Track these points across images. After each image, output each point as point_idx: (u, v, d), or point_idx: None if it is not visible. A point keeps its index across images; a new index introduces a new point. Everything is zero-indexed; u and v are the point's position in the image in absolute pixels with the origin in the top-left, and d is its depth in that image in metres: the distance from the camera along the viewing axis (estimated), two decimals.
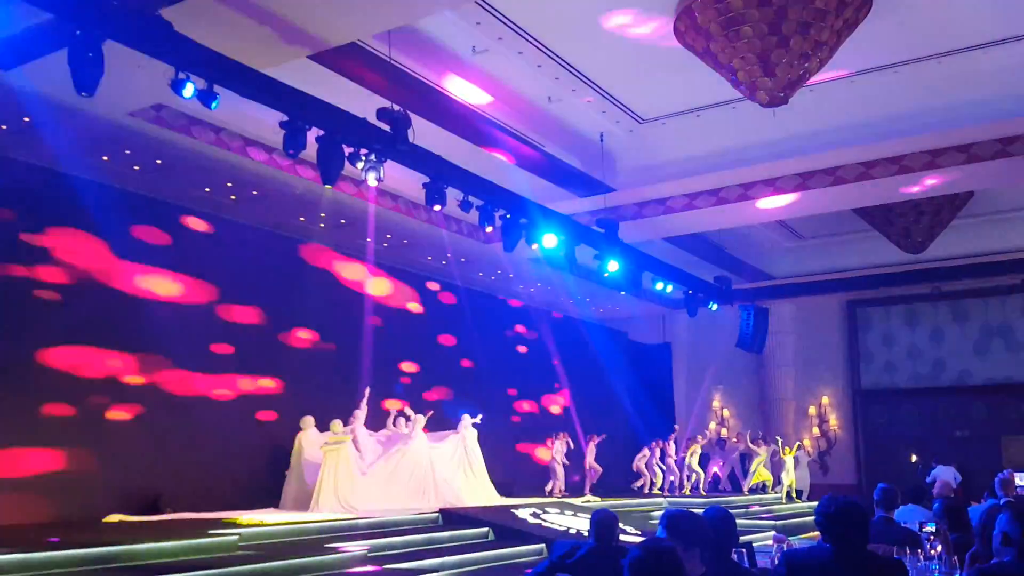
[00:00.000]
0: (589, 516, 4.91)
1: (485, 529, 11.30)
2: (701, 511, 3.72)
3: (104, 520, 10.27)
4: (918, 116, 11.67)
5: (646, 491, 17.76)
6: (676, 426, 19.61)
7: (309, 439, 12.26)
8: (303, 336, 14.01)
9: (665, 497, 16.98)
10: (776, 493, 18.65)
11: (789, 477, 18.44)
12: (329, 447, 11.92)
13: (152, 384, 11.66)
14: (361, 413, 12.68)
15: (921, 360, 20.26)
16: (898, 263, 17.35)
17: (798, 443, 19.78)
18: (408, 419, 13.43)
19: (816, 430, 21.29)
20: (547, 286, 17.54)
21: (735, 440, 19.69)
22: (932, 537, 5.19)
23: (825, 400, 21.32)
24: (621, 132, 12.75)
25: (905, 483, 7.67)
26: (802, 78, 9.27)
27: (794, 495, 18.49)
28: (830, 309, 20.99)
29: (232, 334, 12.85)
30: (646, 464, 18.23)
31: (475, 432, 14.18)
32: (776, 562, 4.22)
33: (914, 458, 19.56)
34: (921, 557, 4.48)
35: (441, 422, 14.46)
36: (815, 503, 17.96)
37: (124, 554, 7.61)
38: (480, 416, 14.21)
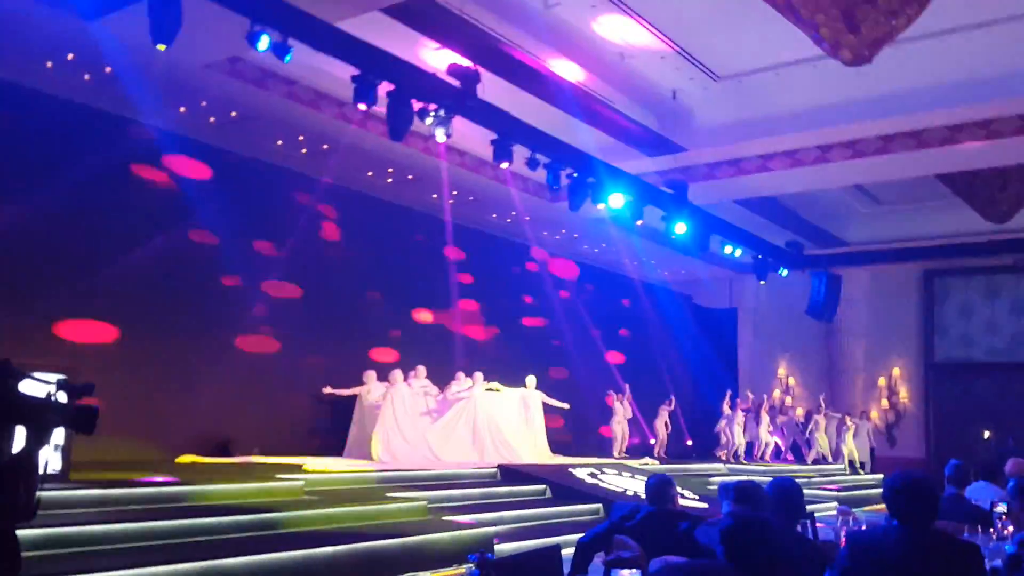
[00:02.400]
0: (646, 479, 4.89)
1: (542, 486, 11.39)
2: (765, 480, 3.67)
3: (177, 460, 10.70)
4: (1011, 79, 11.05)
5: (723, 457, 17.49)
6: (746, 402, 19.09)
7: (371, 391, 12.54)
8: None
9: (725, 464, 16.82)
10: (840, 464, 18.36)
11: (849, 447, 18.13)
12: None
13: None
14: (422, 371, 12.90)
15: (1000, 334, 19.51)
16: (980, 232, 16.64)
17: (862, 412, 19.39)
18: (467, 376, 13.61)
19: (885, 402, 20.79)
20: (612, 247, 17.36)
21: (789, 413, 19.42)
22: (1004, 516, 5.02)
23: (896, 372, 20.76)
24: (695, 89, 12.42)
25: (976, 460, 7.45)
26: (889, 35, 8.82)
27: (857, 465, 18.20)
28: (906, 278, 20.33)
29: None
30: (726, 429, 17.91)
31: (540, 394, 14.22)
32: (841, 534, 4.15)
33: (987, 434, 18.97)
34: (994, 536, 4.35)
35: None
36: (877, 475, 17.63)
37: (195, 494, 7.91)
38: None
